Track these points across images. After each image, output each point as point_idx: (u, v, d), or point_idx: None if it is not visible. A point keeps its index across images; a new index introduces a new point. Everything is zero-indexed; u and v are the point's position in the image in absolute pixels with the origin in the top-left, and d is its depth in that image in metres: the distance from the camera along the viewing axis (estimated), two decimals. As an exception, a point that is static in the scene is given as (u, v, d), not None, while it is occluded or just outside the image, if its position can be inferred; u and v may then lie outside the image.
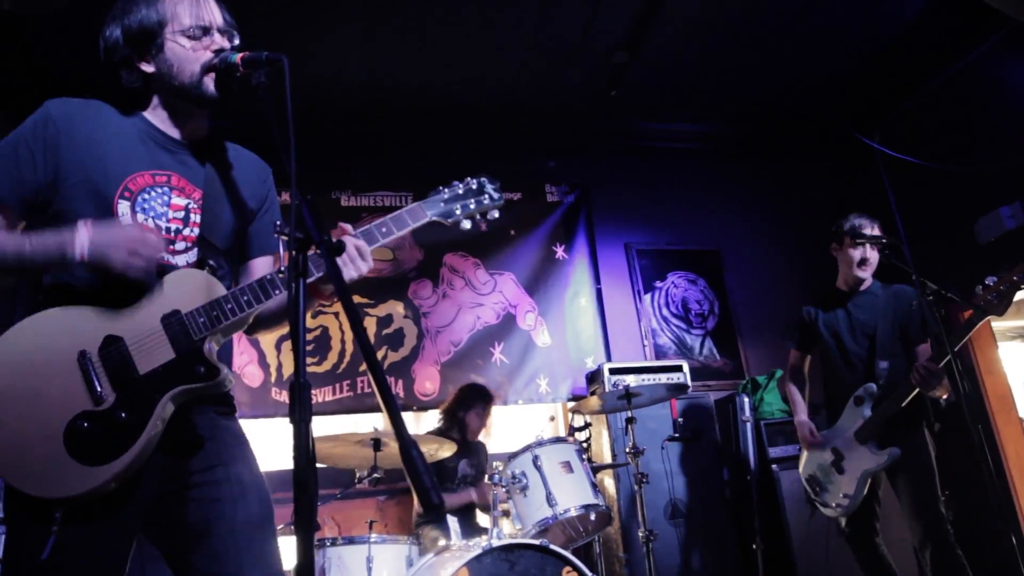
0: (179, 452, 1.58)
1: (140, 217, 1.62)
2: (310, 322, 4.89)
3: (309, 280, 1.61)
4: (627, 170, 5.88)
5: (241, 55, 1.60)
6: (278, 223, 1.23)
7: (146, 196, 1.65)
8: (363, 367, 4.93)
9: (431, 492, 0.90)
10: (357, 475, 3.57)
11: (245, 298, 1.58)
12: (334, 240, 1.30)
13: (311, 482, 1.08)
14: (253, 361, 4.77)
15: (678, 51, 4.92)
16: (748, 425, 4.73)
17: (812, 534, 4.37)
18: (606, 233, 5.66)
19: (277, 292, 1.60)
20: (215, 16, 1.71)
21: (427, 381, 4.99)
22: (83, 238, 1.46)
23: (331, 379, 4.86)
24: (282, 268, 1.20)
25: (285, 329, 1.76)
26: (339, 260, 1.58)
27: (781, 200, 6.04)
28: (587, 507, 3.30)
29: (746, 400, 4.83)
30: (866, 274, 3.55)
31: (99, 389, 1.48)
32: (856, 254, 3.51)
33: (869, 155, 5.55)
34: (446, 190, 1.85)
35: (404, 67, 4.84)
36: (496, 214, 1.87)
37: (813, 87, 5.43)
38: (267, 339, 4.83)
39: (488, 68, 4.94)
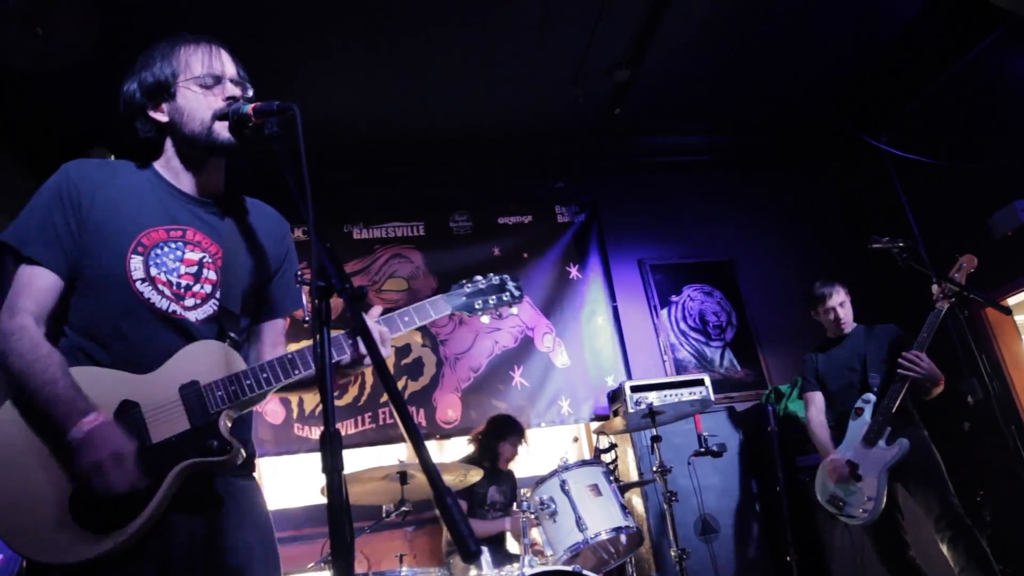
0: (191, 513, 1.56)
1: (153, 271, 1.63)
2: (329, 356, 4.89)
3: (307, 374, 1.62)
4: (636, 186, 5.88)
5: (253, 105, 1.62)
6: (298, 273, 1.23)
7: (159, 251, 1.65)
8: (384, 398, 4.94)
9: (468, 540, 0.90)
10: (384, 509, 3.56)
11: (265, 376, 1.58)
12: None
13: (348, 531, 1.08)
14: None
15: (679, 65, 4.94)
16: (774, 435, 4.69)
17: (847, 542, 4.30)
18: (619, 250, 5.66)
19: (297, 372, 1.60)
20: (227, 67, 1.74)
21: (449, 409, 4.99)
22: (82, 432, 1.42)
23: (353, 412, 4.87)
24: (306, 318, 1.20)
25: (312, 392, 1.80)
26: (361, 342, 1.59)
27: (792, 206, 6.03)
28: (617, 529, 3.27)
29: (771, 410, 4.79)
30: (846, 323, 3.92)
31: None
32: (830, 317, 3.93)
33: (878, 156, 5.53)
34: (468, 285, 1.90)
35: (408, 100, 4.90)
36: (515, 311, 1.98)
37: (817, 92, 5.44)
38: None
39: (491, 94, 4.98)
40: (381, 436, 4.87)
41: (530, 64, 4.72)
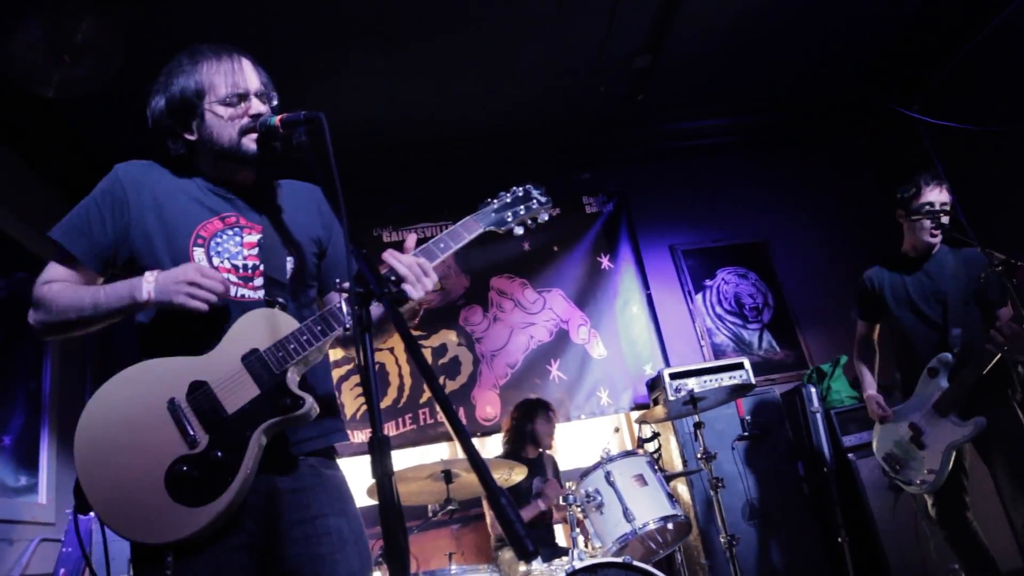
0: (281, 496, 1.61)
1: (216, 261, 1.69)
2: (367, 360, 4.93)
3: (377, 317, 1.67)
4: (663, 172, 5.83)
5: (280, 117, 1.65)
6: (337, 280, 1.25)
7: (219, 240, 1.72)
8: (423, 399, 4.97)
9: (525, 541, 0.90)
10: (431, 508, 3.58)
11: (319, 327, 1.62)
12: (391, 270, 1.32)
13: (401, 534, 1.09)
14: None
15: (701, 47, 4.87)
16: (818, 416, 4.63)
17: (899, 521, 4.23)
18: (649, 237, 5.62)
19: (338, 327, 1.61)
20: (251, 81, 1.77)
21: (487, 406, 5.00)
22: (149, 283, 1.56)
23: (393, 414, 4.91)
24: (347, 325, 1.21)
25: (392, 336, 1.83)
26: (404, 284, 1.58)
27: (824, 184, 5.92)
28: (665, 518, 3.26)
29: (813, 390, 4.72)
30: (937, 239, 3.39)
31: (191, 433, 1.53)
32: (926, 222, 3.34)
33: (911, 127, 5.40)
34: (495, 201, 1.89)
35: (428, 100, 4.90)
36: (546, 216, 1.92)
37: (844, 64, 5.32)
38: (346, 394, 4.91)
39: (512, 89, 4.96)
40: (422, 436, 4.90)
41: (549, 56, 4.69)
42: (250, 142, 1.72)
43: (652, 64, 4.86)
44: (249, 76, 1.77)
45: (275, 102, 1.79)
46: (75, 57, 3.80)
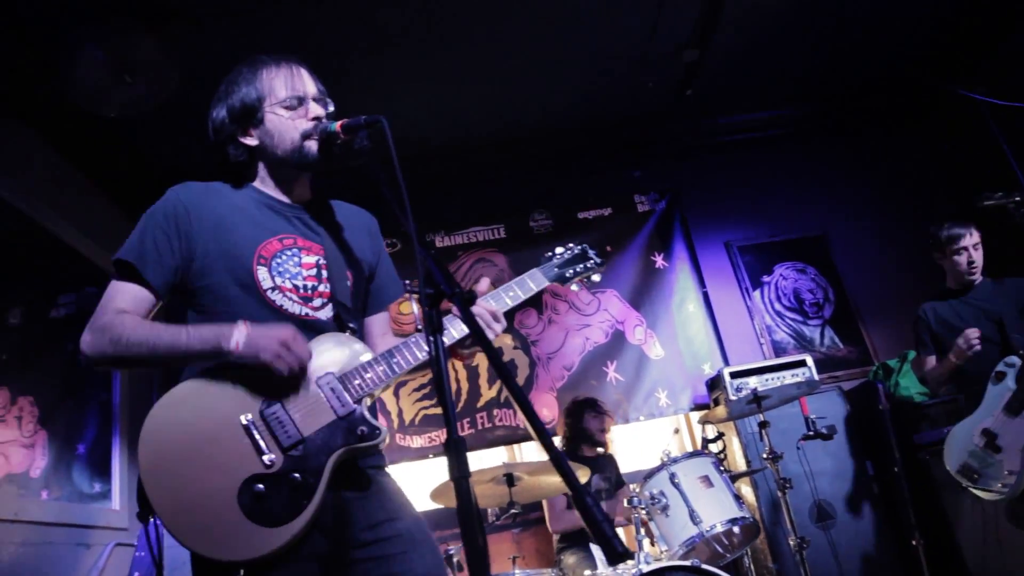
0: (347, 506, 1.62)
1: (278, 280, 1.70)
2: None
3: (447, 344, 1.68)
4: (716, 167, 5.73)
5: (341, 123, 1.68)
6: (407, 282, 1.25)
7: (279, 260, 1.73)
8: (480, 403, 4.97)
9: (613, 541, 0.87)
10: (492, 512, 3.56)
11: (395, 360, 1.65)
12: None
13: (480, 537, 1.07)
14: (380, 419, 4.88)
15: (750, 37, 4.76)
16: (886, 413, 4.48)
17: (977, 521, 4.05)
18: (704, 234, 5.52)
19: (424, 355, 1.66)
20: (309, 86, 1.80)
21: (544, 408, 4.97)
22: (241, 334, 1.53)
23: (452, 419, 4.91)
24: (419, 326, 1.21)
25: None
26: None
27: (884, 173, 5.73)
28: (733, 521, 3.18)
29: (880, 387, 4.57)
30: (976, 275, 3.59)
31: (267, 452, 1.53)
32: (962, 260, 3.57)
33: (975, 109, 5.19)
34: (556, 256, 2.00)
35: (475, 104, 4.90)
36: (598, 278, 2.06)
37: (902, 49, 5.15)
38: (405, 403, 4.95)
39: (559, 89, 4.93)
40: (480, 441, 4.90)
41: (596, 54, 4.65)
42: (312, 144, 1.74)
43: (700, 57, 4.78)
44: (307, 81, 1.81)
45: (331, 108, 1.81)
46: (135, 77, 3.91)
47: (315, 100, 1.79)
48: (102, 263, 4.48)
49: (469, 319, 1.16)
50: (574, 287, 2.02)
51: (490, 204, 5.49)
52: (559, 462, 0.93)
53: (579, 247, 2.03)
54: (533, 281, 1.90)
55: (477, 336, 1.17)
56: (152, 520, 1.53)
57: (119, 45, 3.75)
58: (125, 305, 1.64)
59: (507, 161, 5.44)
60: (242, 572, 1.46)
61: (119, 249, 1.69)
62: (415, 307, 1.42)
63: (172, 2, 3.66)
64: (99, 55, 3.77)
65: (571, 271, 1.99)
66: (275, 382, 1.57)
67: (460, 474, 1.09)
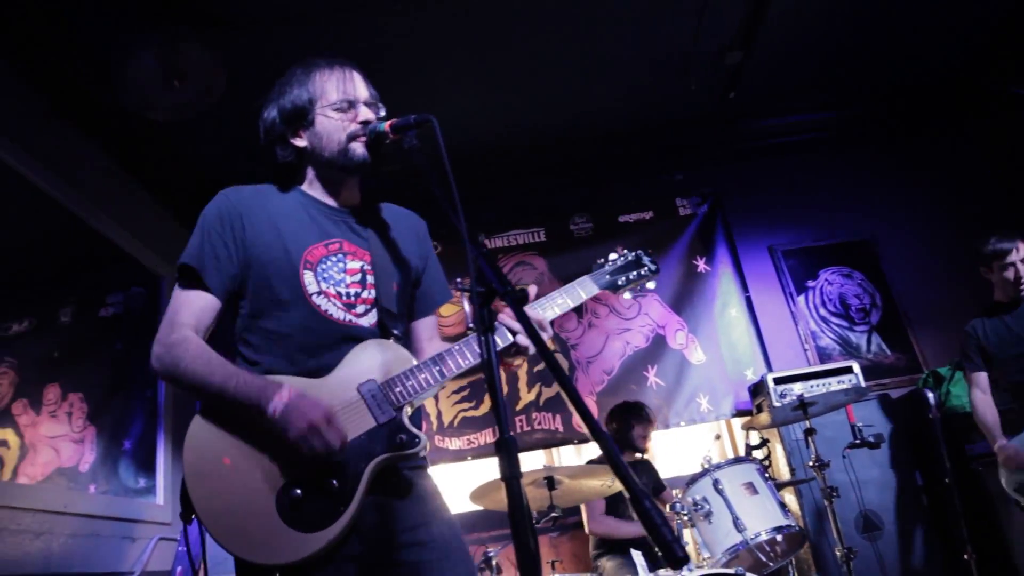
0: (383, 510, 1.61)
1: (323, 285, 1.70)
2: (464, 367, 4.97)
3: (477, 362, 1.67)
4: (759, 170, 5.63)
5: (389, 123, 1.68)
6: (458, 280, 1.24)
7: (324, 266, 1.73)
8: (519, 406, 4.96)
9: (673, 546, 0.85)
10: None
11: (438, 368, 1.64)
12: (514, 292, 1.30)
13: (532, 538, 1.05)
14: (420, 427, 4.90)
15: (795, 38, 4.68)
16: (937, 422, 4.35)
17: (1034, 536, 3.92)
18: (747, 238, 5.43)
19: (467, 363, 1.65)
20: (360, 90, 1.80)
21: (584, 413, 4.92)
22: (283, 400, 1.50)
23: (490, 422, 4.90)
24: (470, 325, 1.20)
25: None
26: (518, 336, 1.68)
27: (935, 176, 5.57)
28: (778, 529, 3.11)
29: (930, 395, 4.44)
30: None
31: None
32: (1009, 274, 3.55)
33: (1029, 108, 5.03)
34: (608, 264, 1.95)
35: (516, 107, 4.89)
36: (652, 285, 2.00)
37: (953, 47, 5.00)
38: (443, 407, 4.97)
39: (601, 91, 4.89)
40: (519, 444, 4.87)
41: (638, 56, 4.61)
42: (358, 146, 1.74)
43: (744, 59, 4.70)
44: (359, 86, 1.80)
45: (383, 113, 1.81)
46: (184, 82, 3.97)
47: (366, 104, 1.79)
48: (149, 264, 4.57)
49: (522, 317, 1.14)
50: (626, 295, 1.97)
51: (530, 207, 5.48)
52: (617, 464, 0.91)
53: (632, 253, 1.99)
54: (583, 289, 1.88)
55: (530, 334, 1.15)
56: (193, 521, 1.53)
57: (169, 50, 3.82)
58: (191, 319, 1.65)
59: (547, 164, 5.42)
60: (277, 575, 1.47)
61: (182, 255, 1.70)
62: (466, 304, 1.39)
63: (221, 8, 3.73)
64: (149, 60, 3.84)
65: (623, 278, 1.95)
66: (316, 390, 1.57)
67: (511, 474, 1.07)
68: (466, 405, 4.94)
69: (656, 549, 3.09)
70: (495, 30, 4.19)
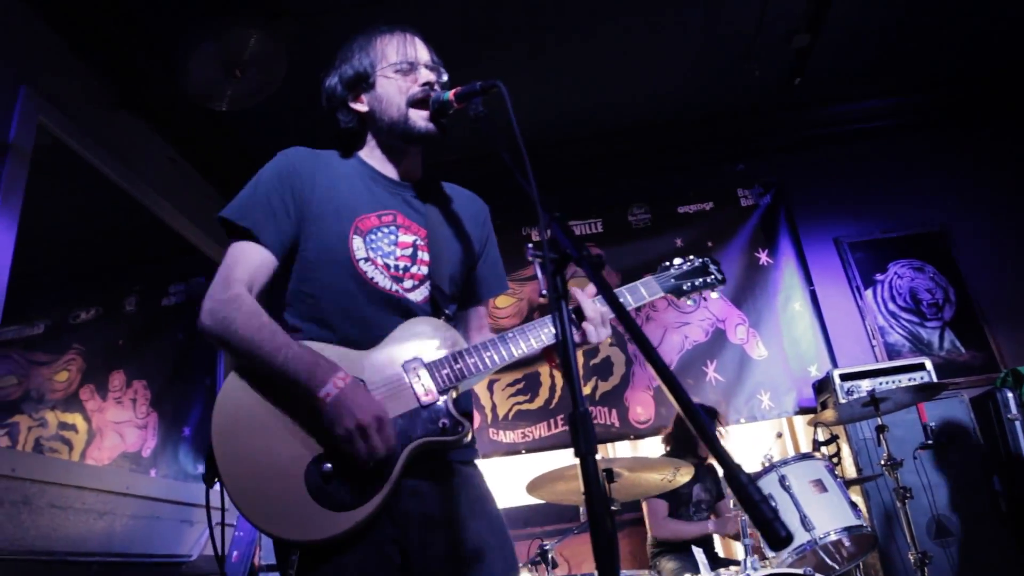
0: (422, 497, 1.55)
1: (371, 254, 1.64)
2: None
3: (543, 347, 1.62)
4: (824, 160, 5.43)
5: (453, 91, 1.63)
6: (530, 246, 1.17)
7: (374, 236, 1.67)
8: (574, 400, 4.87)
9: (774, 524, 0.77)
10: (581, 509, 3.46)
11: (488, 354, 1.57)
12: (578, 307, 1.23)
13: (609, 521, 0.99)
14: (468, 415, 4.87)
15: (865, 21, 4.49)
16: (1017, 424, 4.12)
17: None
18: (811, 230, 5.24)
19: (520, 352, 1.59)
20: (421, 53, 1.76)
21: (639, 407, 4.83)
22: (335, 390, 1.42)
23: (544, 415, 4.85)
24: (543, 292, 1.13)
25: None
26: (586, 324, 1.61)
27: (1011, 163, 5.27)
28: (849, 529, 2.97)
29: (1010, 395, 4.21)
30: None
31: None
32: None
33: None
34: (674, 268, 1.88)
35: (576, 97, 4.82)
36: (716, 295, 1.93)
37: (1035, 31, 4.75)
38: (478, 391, 4.93)
39: (661, 79, 4.79)
40: (573, 438, 4.80)
41: (700, 41, 4.49)
42: (419, 118, 1.70)
43: (812, 43, 4.54)
44: (420, 49, 1.77)
45: (444, 77, 1.76)
46: (245, 72, 4.01)
47: (427, 67, 1.75)
48: (211, 254, 4.64)
49: (600, 282, 1.08)
50: (689, 301, 1.90)
51: (588, 198, 5.39)
52: (712, 439, 0.84)
53: (700, 260, 1.91)
54: (647, 290, 1.81)
55: (609, 300, 1.08)
56: (215, 484, 1.46)
57: (231, 41, 3.86)
58: (245, 274, 1.57)
59: (605, 153, 5.34)
60: (297, 554, 1.40)
61: (228, 208, 1.64)
62: (539, 272, 1.29)
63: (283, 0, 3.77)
64: (212, 52, 3.90)
65: (688, 284, 1.87)
66: (358, 361, 1.51)
67: (587, 450, 1.00)
68: (521, 398, 4.89)
69: (749, 536, 3.01)
70: (554, 17, 4.13)
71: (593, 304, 1.63)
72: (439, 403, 1.52)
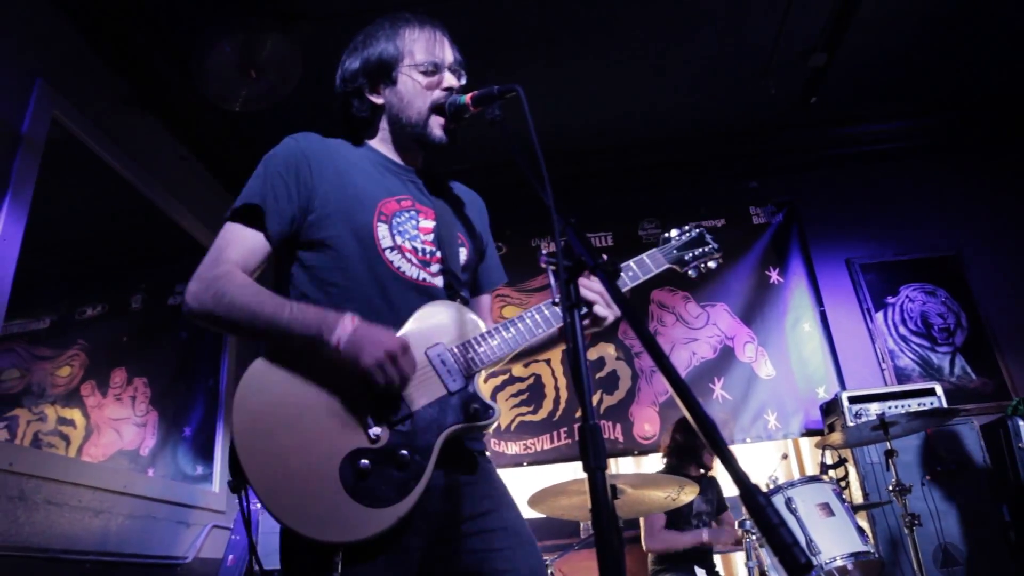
0: (452, 490, 1.52)
1: (398, 240, 1.62)
2: (523, 371, 4.88)
3: (562, 325, 1.57)
4: (839, 180, 5.39)
5: (470, 95, 1.61)
6: (543, 253, 1.14)
7: (398, 220, 1.65)
8: (579, 413, 4.82)
9: (793, 549, 0.73)
10: (583, 526, 3.41)
11: (510, 335, 1.54)
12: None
13: (615, 537, 0.95)
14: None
15: (883, 41, 4.46)
16: (1027, 453, 4.06)
17: None
18: (823, 250, 5.19)
19: (541, 331, 1.57)
20: (447, 54, 1.73)
21: (646, 423, 4.78)
22: (347, 329, 1.39)
23: (548, 427, 4.80)
24: (555, 299, 1.10)
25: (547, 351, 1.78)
26: (595, 307, 1.59)
27: (1026, 190, 5.25)
28: (855, 555, 2.91)
29: (1020, 423, 4.14)
30: None
31: (372, 425, 1.41)
32: None
33: None
34: (674, 239, 1.88)
35: (590, 110, 4.80)
36: (715, 265, 1.92)
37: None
38: (482, 389, 4.86)
39: (676, 94, 4.76)
40: (576, 451, 4.75)
41: (715, 58, 4.47)
42: (436, 126, 1.68)
43: (829, 62, 4.51)
44: (447, 49, 1.74)
45: (464, 81, 1.74)
46: (260, 73, 4.01)
47: (451, 70, 1.72)
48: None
49: (615, 292, 1.04)
50: (692, 273, 1.90)
51: (598, 211, 5.36)
52: (728, 458, 0.80)
53: (696, 229, 1.92)
54: (652, 262, 1.80)
55: (623, 308, 1.04)
56: (246, 491, 1.39)
57: (248, 42, 3.86)
58: (238, 256, 1.52)
59: (617, 167, 5.31)
60: (340, 556, 1.33)
61: (241, 194, 1.59)
62: (552, 279, 1.25)
63: (299, 3, 3.76)
64: (227, 52, 3.90)
65: (690, 254, 1.87)
66: (364, 375, 1.45)
67: (596, 464, 0.96)
68: (524, 409, 4.84)
69: (753, 558, 2.95)
70: (570, 30, 4.12)
71: (592, 283, 1.60)
72: (468, 389, 1.50)
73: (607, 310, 1.59)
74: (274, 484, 1.34)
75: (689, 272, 1.90)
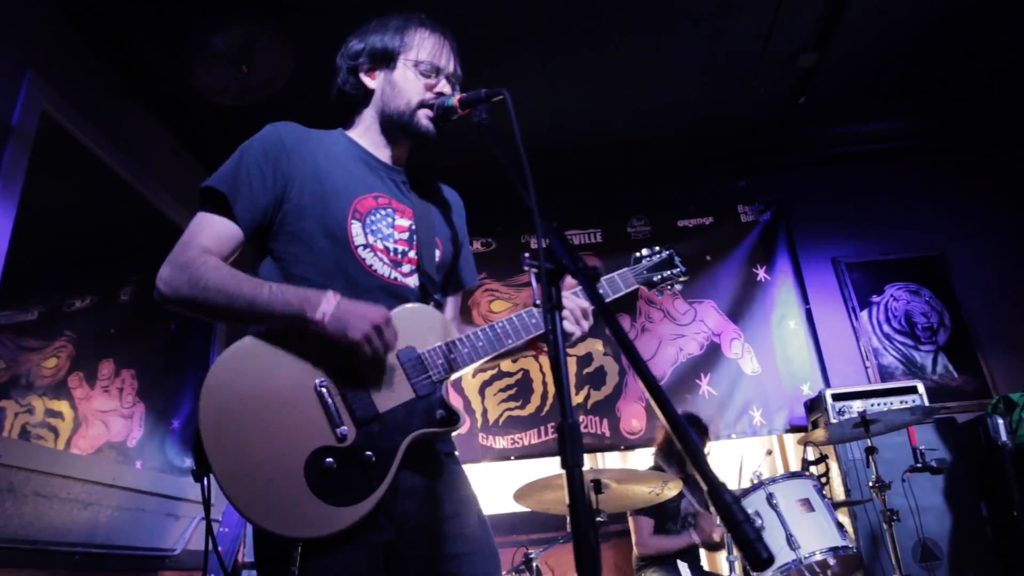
0: (414, 493, 1.54)
1: (371, 239, 1.62)
2: (511, 366, 4.92)
3: (530, 337, 1.65)
4: (827, 179, 5.44)
5: (458, 97, 1.63)
6: (526, 255, 1.17)
7: (373, 218, 1.65)
8: (566, 409, 4.86)
9: (756, 544, 0.76)
10: (568, 519, 3.44)
11: (480, 344, 1.57)
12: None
13: (592, 534, 0.98)
14: (459, 407, 4.86)
15: (872, 42, 4.50)
16: (1006, 451, 4.12)
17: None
18: (810, 249, 5.25)
19: (511, 342, 1.60)
20: (449, 63, 1.76)
21: (633, 419, 4.82)
22: (329, 305, 1.41)
23: (535, 422, 4.84)
24: (536, 301, 1.12)
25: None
26: (564, 322, 1.56)
27: (1010, 191, 5.29)
28: (834, 549, 2.96)
29: (1000, 422, 4.21)
30: None
31: (341, 424, 1.42)
32: None
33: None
34: (644, 259, 1.94)
35: (581, 107, 4.82)
36: (679, 287, 2.03)
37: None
38: (471, 384, 4.91)
39: (665, 93, 4.79)
40: (563, 447, 4.79)
41: (705, 57, 4.49)
42: (424, 117, 1.70)
43: (818, 62, 4.55)
44: (451, 58, 1.77)
45: (457, 95, 1.76)
46: (252, 67, 4.01)
47: (448, 79, 1.75)
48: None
49: (594, 295, 1.07)
50: (658, 293, 1.98)
51: (588, 208, 5.39)
52: (695, 453, 0.83)
53: (666, 252, 1.98)
54: (623, 281, 1.86)
55: (604, 314, 1.08)
56: (208, 480, 1.39)
57: (240, 36, 3.86)
58: (210, 243, 1.51)
59: (607, 165, 5.34)
60: (299, 549, 1.35)
61: (210, 177, 1.57)
62: (534, 281, 1.27)
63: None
64: (220, 45, 3.90)
65: (658, 276, 1.94)
66: (352, 348, 1.46)
67: (574, 462, 1.00)
68: (512, 404, 4.88)
69: (735, 552, 3.00)
70: (561, 29, 4.13)
71: (570, 297, 1.66)
72: (435, 395, 1.52)
73: (575, 326, 1.64)
74: (237, 476, 1.34)
75: (655, 293, 1.97)
